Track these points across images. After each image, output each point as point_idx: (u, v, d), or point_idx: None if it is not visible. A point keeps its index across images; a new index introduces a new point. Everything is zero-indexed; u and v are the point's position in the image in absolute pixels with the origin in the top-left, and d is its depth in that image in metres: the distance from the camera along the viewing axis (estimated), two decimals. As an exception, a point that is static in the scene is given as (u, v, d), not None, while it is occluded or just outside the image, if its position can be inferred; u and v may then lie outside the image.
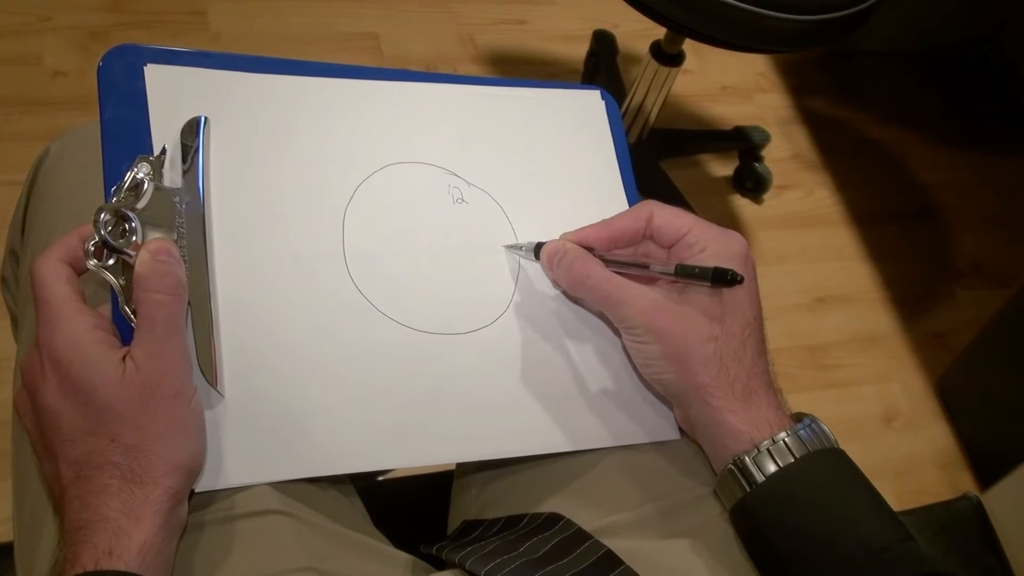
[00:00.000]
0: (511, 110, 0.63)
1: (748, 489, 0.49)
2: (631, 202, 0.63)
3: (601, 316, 0.57)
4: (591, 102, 0.65)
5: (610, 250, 0.55)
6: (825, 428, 0.50)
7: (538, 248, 0.56)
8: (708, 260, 0.51)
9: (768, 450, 0.48)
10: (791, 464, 0.48)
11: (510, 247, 0.58)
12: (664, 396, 0.56)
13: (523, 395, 0.54)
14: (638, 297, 0.51)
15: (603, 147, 0.64)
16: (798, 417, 0.51)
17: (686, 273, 0.50)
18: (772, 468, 0.48)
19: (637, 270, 0.53)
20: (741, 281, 0.49)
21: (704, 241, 0.52)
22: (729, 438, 0.49)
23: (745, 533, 0.51)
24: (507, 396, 0.54)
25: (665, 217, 0.54)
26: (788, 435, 0.49)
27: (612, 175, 0.64)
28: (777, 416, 0.50)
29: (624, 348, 0.55)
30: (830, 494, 0.48)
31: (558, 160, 0.62)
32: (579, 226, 0.56)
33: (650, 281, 0.53)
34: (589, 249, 0.54)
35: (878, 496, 0.49)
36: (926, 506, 0.82)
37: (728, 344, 0.50)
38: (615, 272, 0.53)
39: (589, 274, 0.53)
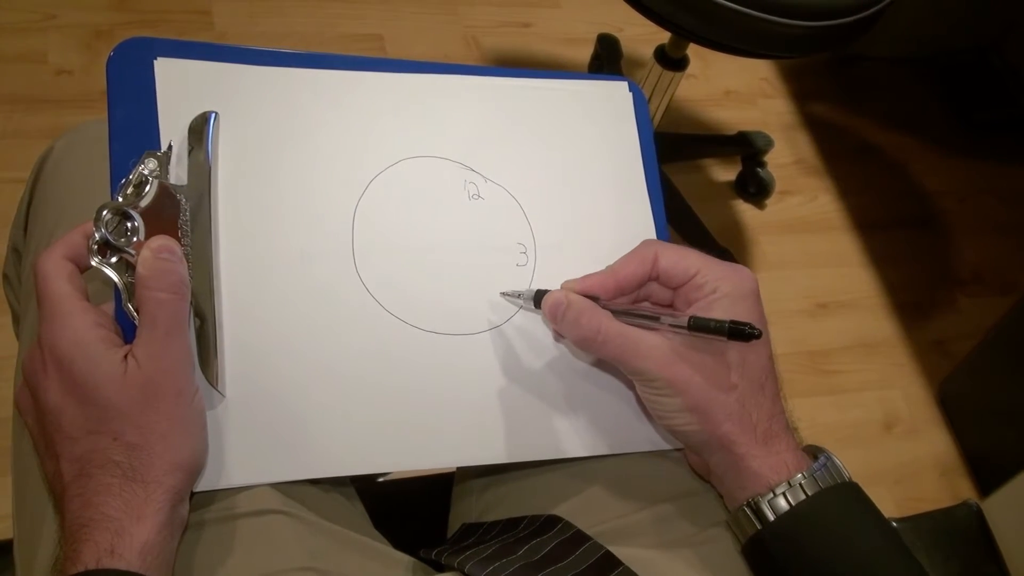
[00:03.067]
0: (532, 101, 0.60)
1: (760, 527, 0.48)
2: (654, 204, 0.61)
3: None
4: (618, 94, 0.62)
5: (615, 299, 0.52)
6: (839, 463, 0.50)
7: (538, 296, 0.53)
8: (721, 301, 0.49)
9: (784, 494, 0.48)
10: (804, 500, 0.47)
11: (506, 295, 0.55)
12: (679, 443, 0.54)
13: (526, 400, 0.54)
14: (654, 348, 0.49)
15: (628, 142, 0.61)
16: (814, 453, 0.50)
17: (701, 327, 0.47)
18: (786, 506, 0.48)
19: (647, 322, 0.50)
20: (759, 336, 0.47)
21: (715, 281, 0.50)
22: (749, 481, 0.49)
23: (760, 568, 0.50)
24: (510, 400, 0.54)
25: (671, 259, 0.51)
26: (804, 477, 0.48)
27: (636, 173, 0.61)
28: (795, 457, 0.49)
29: (637, 398, 0.53)
30: (843, 528, 0.48)
31: (579, 155, 0.60)
32: (597, 228, 0.53)
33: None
34: (593, 299, 0.51)
35: (893, 531, 0.48)
36: (926, 513, 0.82)
37: (749, 390, 0.49)
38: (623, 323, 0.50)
39: (599, 329, 0.49)
